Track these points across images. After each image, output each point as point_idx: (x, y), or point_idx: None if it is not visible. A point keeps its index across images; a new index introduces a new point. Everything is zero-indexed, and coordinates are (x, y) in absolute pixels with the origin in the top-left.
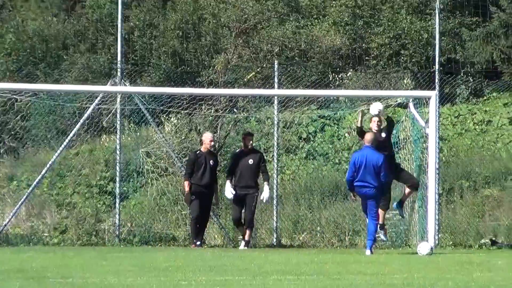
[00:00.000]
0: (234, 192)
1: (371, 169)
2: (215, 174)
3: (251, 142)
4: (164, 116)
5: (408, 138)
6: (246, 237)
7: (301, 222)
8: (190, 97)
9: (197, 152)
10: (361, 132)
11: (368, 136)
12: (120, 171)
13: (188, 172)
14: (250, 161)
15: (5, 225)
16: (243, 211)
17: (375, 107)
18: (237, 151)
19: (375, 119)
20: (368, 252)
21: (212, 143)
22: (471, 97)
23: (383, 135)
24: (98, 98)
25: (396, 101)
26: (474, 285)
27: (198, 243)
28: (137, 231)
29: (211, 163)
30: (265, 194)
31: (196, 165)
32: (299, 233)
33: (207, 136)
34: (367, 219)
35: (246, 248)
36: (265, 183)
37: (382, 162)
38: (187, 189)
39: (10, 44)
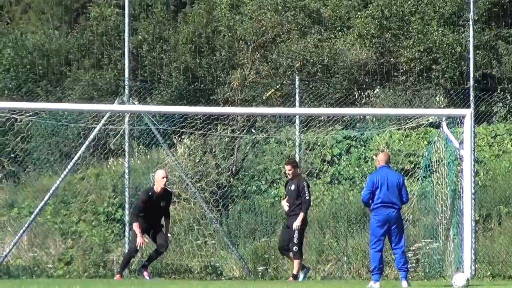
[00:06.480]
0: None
1: (394, 189)
2: (163, 215)
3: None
4: (176, 137)
5: (441, 161)
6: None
7: (326, 251)
8: (204, 116)
9: (149, 193)
10: None
11: (383, 156)
12: (129, 197)
13: (135, 213)
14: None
15: (6, 256)
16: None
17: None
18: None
19: None
20: (405, 283)
21: (165, 180)
22: (509, 115)
23: None
24: (105, 118)
25: (428, 120)
26: None
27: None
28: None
29: (161, 205)
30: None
31: (148, 206)
32: (324, 264)
33: (159, 174)
34: (372, 251)
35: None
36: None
37: (403, 181)
38: (138, 231)
39: (9, 59)
